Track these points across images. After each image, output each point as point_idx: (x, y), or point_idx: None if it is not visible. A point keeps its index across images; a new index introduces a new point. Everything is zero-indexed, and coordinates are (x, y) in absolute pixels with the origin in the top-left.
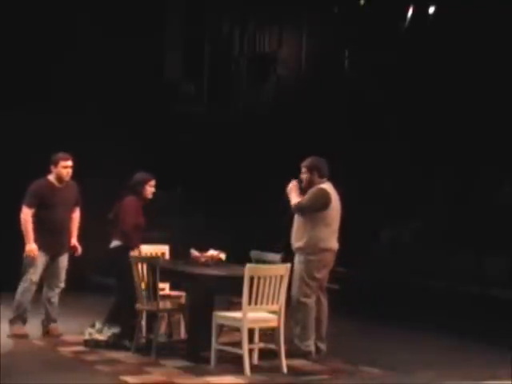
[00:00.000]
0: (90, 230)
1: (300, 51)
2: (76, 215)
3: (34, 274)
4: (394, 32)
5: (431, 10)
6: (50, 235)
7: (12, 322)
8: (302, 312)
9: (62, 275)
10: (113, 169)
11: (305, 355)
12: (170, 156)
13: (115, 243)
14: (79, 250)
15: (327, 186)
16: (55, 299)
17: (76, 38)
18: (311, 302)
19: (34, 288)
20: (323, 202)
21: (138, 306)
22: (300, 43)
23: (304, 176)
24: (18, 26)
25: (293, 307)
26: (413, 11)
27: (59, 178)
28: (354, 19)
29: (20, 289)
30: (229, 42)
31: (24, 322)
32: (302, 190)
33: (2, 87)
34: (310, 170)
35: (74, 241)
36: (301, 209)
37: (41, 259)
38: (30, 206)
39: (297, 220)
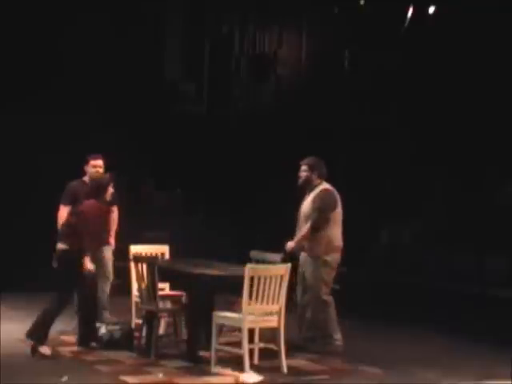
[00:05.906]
0: None
1: (300, 51)
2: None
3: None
4: (393, 32)
5: (431, 9)
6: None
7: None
8: (326, 310)
9: None
10: (112, 169)
11: (337, 350)
12: (169, 156)
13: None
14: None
15: (329, 186)
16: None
17: (76, 38)
18: (331, 298)
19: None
20: (334, 202)
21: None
22: (300, 43)
23: (303, 174)
24: (18, 26)
25: (315, 308)
26: (413, 11)
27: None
28: (354, 19)
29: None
30: (229, 42)
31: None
32: (299, 188)
33: (2, 88)
34: (311, 169)
35: None
36: (320, 221)
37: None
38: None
39: (303, 224)
